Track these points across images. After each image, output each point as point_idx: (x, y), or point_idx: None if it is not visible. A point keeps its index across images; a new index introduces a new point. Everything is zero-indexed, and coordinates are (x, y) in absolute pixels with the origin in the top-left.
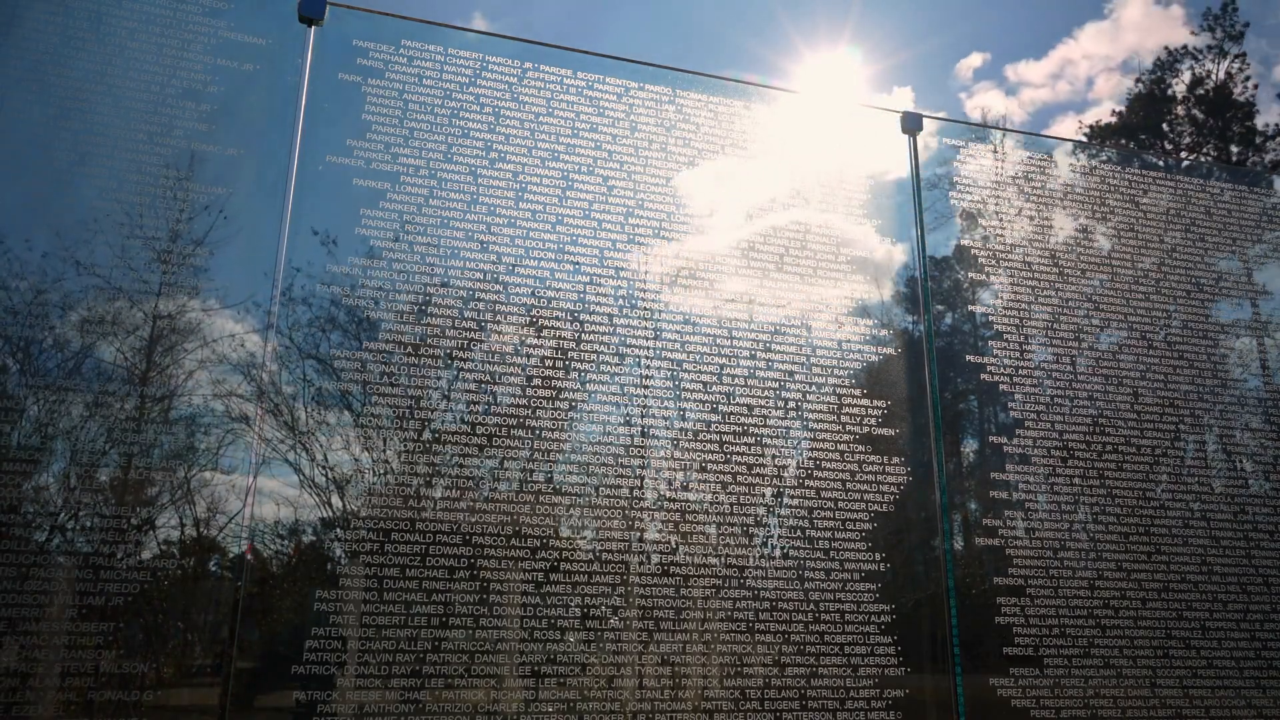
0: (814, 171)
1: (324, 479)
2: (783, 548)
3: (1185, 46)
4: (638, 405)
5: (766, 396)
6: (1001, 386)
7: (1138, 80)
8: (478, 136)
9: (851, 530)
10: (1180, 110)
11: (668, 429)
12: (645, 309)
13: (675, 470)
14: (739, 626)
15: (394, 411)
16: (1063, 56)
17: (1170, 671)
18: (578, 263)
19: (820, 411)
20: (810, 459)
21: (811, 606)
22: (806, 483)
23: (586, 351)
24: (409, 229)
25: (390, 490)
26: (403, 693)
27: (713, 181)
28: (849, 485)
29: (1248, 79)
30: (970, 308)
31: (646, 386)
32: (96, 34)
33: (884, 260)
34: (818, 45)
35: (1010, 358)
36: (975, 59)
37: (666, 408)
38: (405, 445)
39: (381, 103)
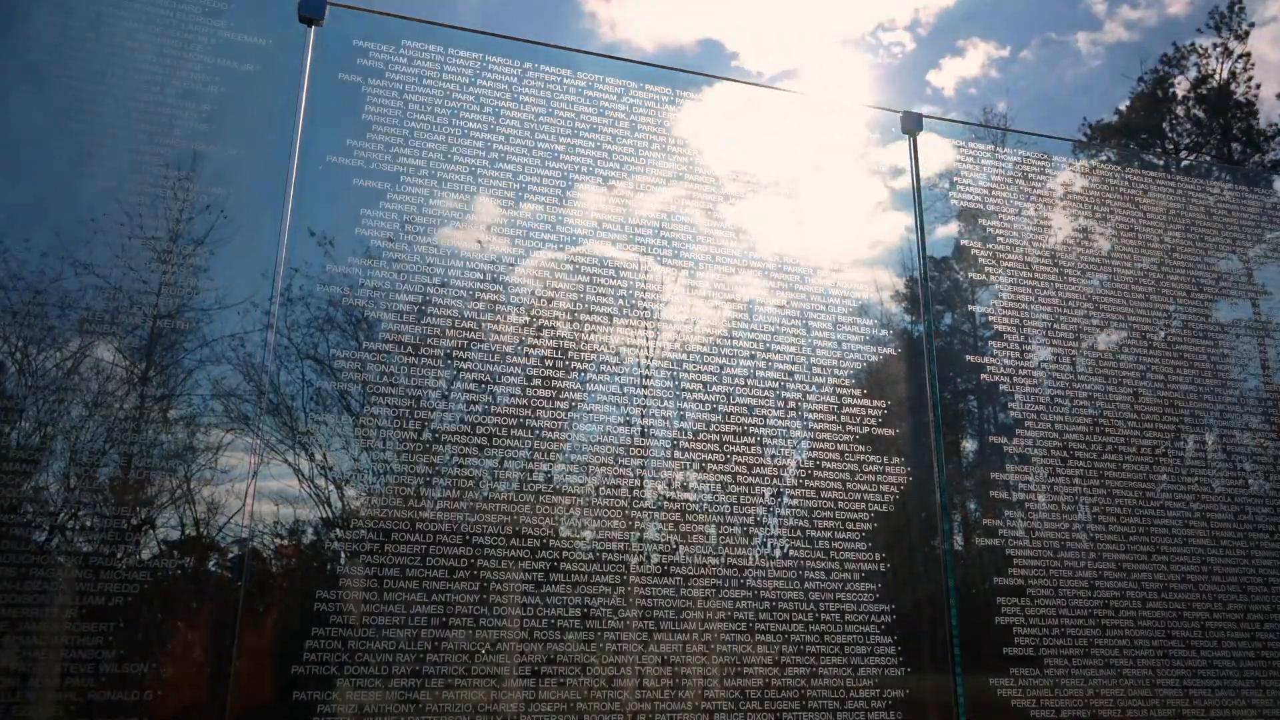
0: (814, 171)
1: (324, 479)
2: (783, 548)
3: (1192, 44)
4: (638, 405)
5: (766, 396)
6: (1001, 386)
7: (1140, 79)
8: (478, 136)
9: (851, 530)
10: (1182, 110)
11: (668, 429)
12: (645, 309)
13: (675, 470)
14: (739, 626)
15: (393, 411)
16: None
17: (1170, 671)
18: (577, 263)
19: (820, 411)
20: (810, 459)
21: (811, 606)
22: (806, 483)
23: (586, 351)
24: (409, 229)
25: (390, 490)
26: (403, 693)
27: (712, 181)
28: (849, 485)
29: (1250, 79)
30: (970, 308)
31: (646, 386)
32: (97, 34)
33: (884, 260)
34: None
35: (1010, 358)
36: (976, 59)
37: (666, 408)
38: (405, 445)
39: (381, 103)
